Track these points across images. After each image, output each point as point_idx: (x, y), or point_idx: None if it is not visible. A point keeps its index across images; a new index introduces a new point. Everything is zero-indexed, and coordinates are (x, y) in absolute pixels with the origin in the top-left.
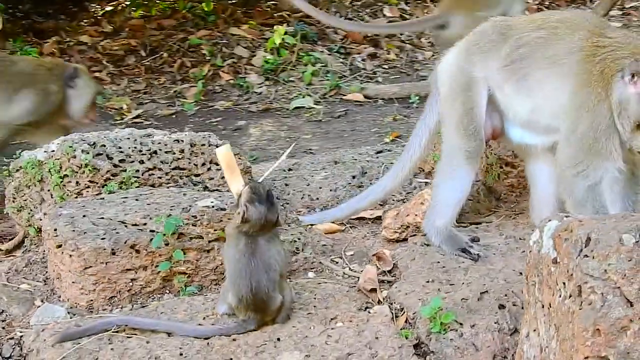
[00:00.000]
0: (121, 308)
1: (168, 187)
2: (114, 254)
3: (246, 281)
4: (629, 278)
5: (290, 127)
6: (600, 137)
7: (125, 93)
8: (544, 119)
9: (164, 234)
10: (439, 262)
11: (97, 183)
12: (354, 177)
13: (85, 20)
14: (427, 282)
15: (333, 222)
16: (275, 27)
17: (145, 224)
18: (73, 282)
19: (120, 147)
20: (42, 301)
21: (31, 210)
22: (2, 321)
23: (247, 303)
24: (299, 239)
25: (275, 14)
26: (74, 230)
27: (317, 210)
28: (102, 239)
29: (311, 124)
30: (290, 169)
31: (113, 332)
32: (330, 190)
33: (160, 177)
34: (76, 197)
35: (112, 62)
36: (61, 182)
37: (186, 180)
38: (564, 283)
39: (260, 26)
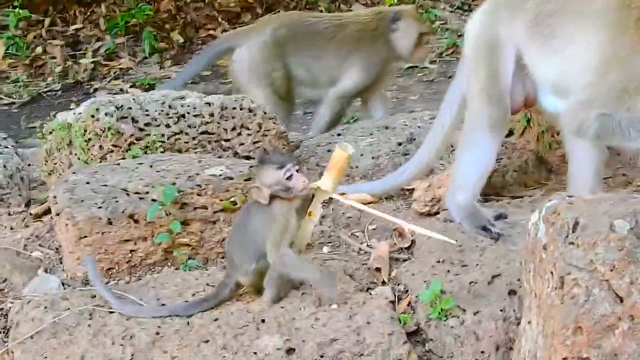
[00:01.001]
0: (118, 281)
1: (196, 153)
2: (110, 223)
3: (227, 240)
4: (619, 270)
5: (400, 86)
6: (631, 91)
7: None
8: (574, 82)
9: (162, 204)
10: (456, 240)
11: (120, 147)
12: (400, 144)
13: None
14: (438, 262)
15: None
16: None
17: (147, 193)
18: (70, 252)
19: (147, 110)
20: (45, 271)
21: (60, 174)
22: (1, 290)
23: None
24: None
25: None
26: (71, 198)
27: (357, 180)
28: (99, 207)
29: (422, 84)
30: (339, 134)
31: (93, 306)
32: (372, 157)
33: (187, 142)
34: (100, 162)
35: (227, 19)
36: (86, 145)
37: (215, 146)
38: (551, 273)
39: None
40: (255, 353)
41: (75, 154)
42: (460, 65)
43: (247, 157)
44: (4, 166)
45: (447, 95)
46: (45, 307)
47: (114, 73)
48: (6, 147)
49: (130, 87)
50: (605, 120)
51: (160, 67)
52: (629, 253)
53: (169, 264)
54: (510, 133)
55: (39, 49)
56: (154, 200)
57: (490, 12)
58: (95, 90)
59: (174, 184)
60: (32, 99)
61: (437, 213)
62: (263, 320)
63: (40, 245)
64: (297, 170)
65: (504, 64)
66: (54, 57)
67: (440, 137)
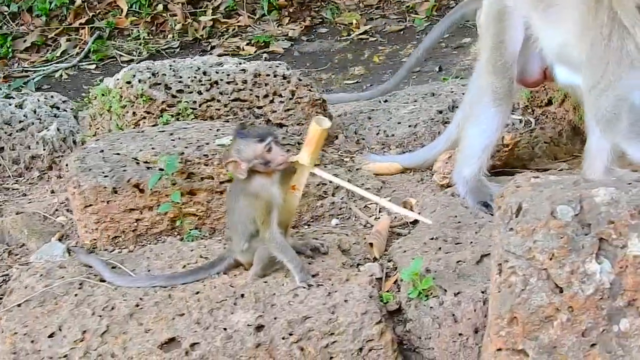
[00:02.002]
0: (121, 249)
1: (227, 120)
2: (115, 192)
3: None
4: (559, 259)
5: None
6: (614, 42)
7: (357, 8)
8: (577, 52)
9: (165, 173)
10: (456, 216)
11: (153, 114)
12: (440, 112)
13: None
14: (432, 239)
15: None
16: None
17: (156, 162)
18: (78, 220)
19: (180, 77)
20: (61, 237)
21: None
22: (16, 255)
23: None
24: (330, 181)
25: None
26: (80, 167)
27: (392, 148)
28: (105, 176)
29: None
30: (386, 101)
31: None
32: (409, 126)
33: (218, 109)
34: (134, 127)
35: None
36: (121, 111)
37: (247, 113)
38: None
39: None
40: (225, 329)
41: (114, 120)
42: None
43: (280, 125)
44: (58, 129)
45: (474, 69)
46: (41, 275)
47: (232, 30)
48: (64, 111)
49: (247, 44)
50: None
51: (278, 25)
52: (569, 241)
53: (176, 233)
54: (549, 102)
55: (160, 7)
56: (161, 169)
57: None
58: (213, 47)
59: (182, 153)
60: (151, 56)
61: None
62: (242, 295)
63: (68, 210)
64: (276, 144)
65: (510, 34)
66: (174, 15)
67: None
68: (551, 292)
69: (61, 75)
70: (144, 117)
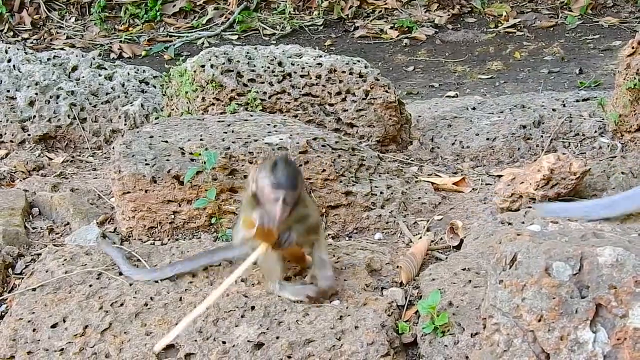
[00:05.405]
0: (155, 241)
1: (296, 115)
2: (154, 182)
3: None
4: (549, 322)
5: None
6: None
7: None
8: None
9: (205, 168)
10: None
11: (222, 101)
12: (523, 126)
13: None
14: (463, 269)
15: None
16: None
17: (200, 154)
18: (117, 206)
19: (254, 66)
20: (104, 220)
21: None
22: (57, 234)
23: None
24: (381, 192)
25: None
26: (123, 151)
27: (466, 161)
28: (146, 164)
29: None
30: (474, 108)
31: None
32: (487, 139)
33: (288, 103)
34: (202, 113)
35: None
36: (192, 95)
37: (317, 109)
38: None
39: None
40: (223, 342)
41: (186, 103)
42: None
43: (350, 125)
44: (142, 105)
45: None
46: (65, 260)
47: (378, 12)
48: (153, 87)
49: (390, 28)
50: None
51: (425, 10)
52: (561, 303)
53: (213, 230)
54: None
55: None
56: (205, 162)
57: None
58: (356, 28)
59: (228, 148)
60: (293, 31)
61: (517, 210)
62: (253, 308)
63: None
64: (284, 203)
65: None
66: None
67: None
68: (536, 358)
69: (202, 43)
70: (213, 104)
